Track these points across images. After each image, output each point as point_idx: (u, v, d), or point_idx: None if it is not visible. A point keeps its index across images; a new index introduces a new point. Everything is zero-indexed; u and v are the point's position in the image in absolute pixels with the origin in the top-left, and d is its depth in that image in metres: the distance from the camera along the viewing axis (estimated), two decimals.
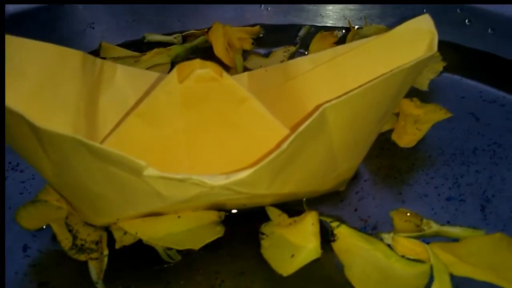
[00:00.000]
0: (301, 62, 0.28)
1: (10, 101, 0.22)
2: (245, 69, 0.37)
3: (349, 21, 0.43)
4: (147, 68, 0.37)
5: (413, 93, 0.34)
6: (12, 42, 0.25)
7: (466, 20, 0.40)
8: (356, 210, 0.27)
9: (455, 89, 0.37)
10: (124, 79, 0.29)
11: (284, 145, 0.20)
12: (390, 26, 0.40)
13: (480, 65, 0.40)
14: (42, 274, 0.24)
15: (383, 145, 0.32)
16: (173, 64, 0.38)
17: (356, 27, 0.42)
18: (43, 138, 0.20)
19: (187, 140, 0.25)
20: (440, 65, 0.38)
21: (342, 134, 0.23)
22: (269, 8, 0.43)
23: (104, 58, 0.38)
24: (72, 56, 0.27)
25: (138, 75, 0.30)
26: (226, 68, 0.38)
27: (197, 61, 0.24)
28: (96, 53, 0.39)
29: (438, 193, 0.28)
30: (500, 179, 0.29)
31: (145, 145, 0.25)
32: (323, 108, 0.21)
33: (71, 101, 0.27)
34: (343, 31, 0.43)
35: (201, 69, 0.23)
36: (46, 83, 0.26)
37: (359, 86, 0.22)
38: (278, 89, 0.29)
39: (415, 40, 0.25)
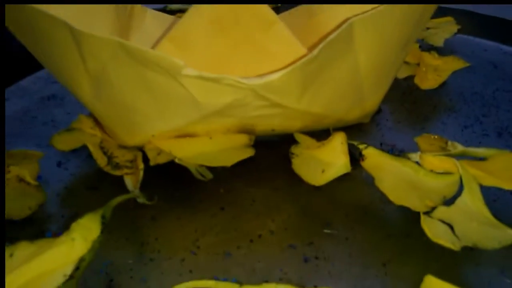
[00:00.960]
0: (323, 4, 0.29)
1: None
2: None
3: None
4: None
5: (429, 48, 0.35)
6: None
7: None
8: (381, 144, 0.28)
9: (469, 46, 0.38)
10: (153, 22, 0.30)
11: (315, 52, 0.21)
12: None
13: (491, 27, 0.41)
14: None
15: (405, 90, 0.32)
16: None
17: None
18: (83, 44, 0.21)
19: (218, 63, 0.26)
20: (454, 27, 0.39)
21: (369, 53, 0.24)
22: None
23: None
24: None
25: (167, 19, 0.31)
26: None
27: None
28: None
29: (462, 129, 0.29)
30: None
31: None
32: (351, 21, 0.22)
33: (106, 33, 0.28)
34: None
35: None
36: (82, 19, 0.27)
37: (383, 5, 0.22)
38: (304, 25, 0.29)
39: None
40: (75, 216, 0.21)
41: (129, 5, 0.29)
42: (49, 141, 0.26)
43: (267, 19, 0.25)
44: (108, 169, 0.24)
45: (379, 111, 0.30)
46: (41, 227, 0.23)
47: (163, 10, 0.43)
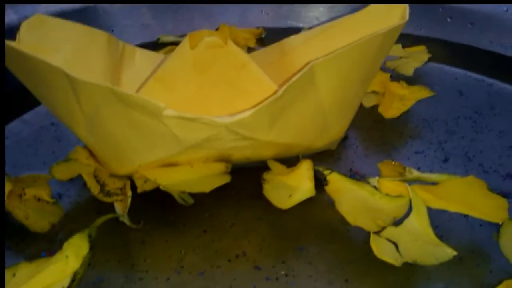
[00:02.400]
0: (294, 38, 0.33)
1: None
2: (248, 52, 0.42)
3: None
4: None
5: (400, 78, 0.39)
6: (50, 22, 0.30)
7: (448, 18, 0.46)
8: (350, 169, 0.32)
9: (439, 74, 0.42)
10: (142, 60, 0.34)
11: (279, 92, 0.25)
12: None
13: (462, 55, 0.45)
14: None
15: (374, 118, 0.36)
16: None
17: None
18: (79, 90, 0.25)
19: (198, 101, 0.29)
20: (425, 56, 0.42)
21: (330, 90, 0.27)
22: (269, 13, 0.49)
23: None
24: (99, 36, 0.32)
25: (155, 57, 0.35)
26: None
27: (206, 31, 0.29)
28: None
29: (425, 155, 0.33)
30: (480, 143, 0.33)
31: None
32: (311, 64, 0.26)
33: (98, 75, 0.32)
34: None
35: (209, 37, 0.28)
36: (77, 58, 0.31)
37: (343, 47, 0.26)
38: (275, 64, 0.33)
39: (390, 12, 0.30)
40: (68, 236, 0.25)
41: (120, 45, 0.34)
42: (48, 170, 0.29)
43: (240, 61, 0.29)
44: (100, 196, 0.28)
45: (345, 137, 0.33)
46: (37, 248, 0.27)
47: (156, 43, 0.47)
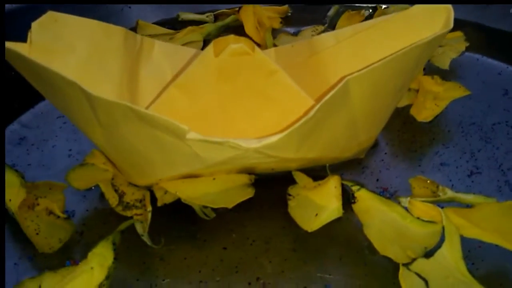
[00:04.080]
0: (325, 38, 0.31)
1: (63, 73, 0.26)
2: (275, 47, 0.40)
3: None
4: (181, 45, 0.40)
5: (434, 71, 0.37)
6: (63, 19, 0.28)
7: None
8: (378, 180, 0.31)
9: (476, 67, 0.39)
10: (161, 54, 0.33)
11: (311, 113, 0.24)
12: None
13: (501, 44, 0.42)
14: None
15: (405, 119, 0.35)
16: (205, 41, 0.41)
17: (383, 6, 0.45)
18: (96, 105, 0.24)
19: (221, 109, 0.28)
20: (462, 45, 0.40)
21: (363, 103, 0.26)
22: None
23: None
24: (116, 32, 0.30)
25: (174, 50, 0.33)
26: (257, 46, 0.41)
27: (232, 37, 0.27)
28: (133, 31, 0.42)
29: (456, 166, 0.31)
30: None
31: (183, 114, 0.28)
32: (346, 80, 0.24)
33: (115, 73, 0.30)
34: (370, 10, 0.45)
35: (235, 44, 0.27)
36: (93, 57, 0.29)
37: (379, 60, 0.24)
38: (303, 63, 0.32)
39: (432, 16, 0.27)
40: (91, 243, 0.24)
41: (138, 39, 0.32)
42: (65, 178, 0.29)
43: (268, 68, 0.27)
44: (119, 209, 0.27)
45: (375, 145, 0.32)
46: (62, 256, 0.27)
47: (175, 19, 0.45)
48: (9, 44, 0.25)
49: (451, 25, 0.26)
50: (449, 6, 0.27)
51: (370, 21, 0.30)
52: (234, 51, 0.27)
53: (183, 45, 0.40)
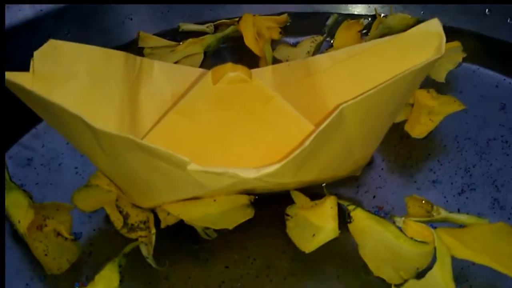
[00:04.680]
0: (321, 59, 0.32)
1: (63, 99, 0.27)
2: (274, 59, 0.41)
3: (375, 9, 0.46)
4: (182, 58, 0.42)
5: (430, 84, 0.38)
6: (63, 47, 0.29)
7: (486, 10, 0.43)
8: (374, 197, 0.32)
9: (473, 79, 0.40)
10: (161, 74, 0.33)
11: (306, 143, 0.25)
12: (413, 15, 0.44)
13: (499, 54, 0.42)
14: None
15: (402, 134, 0.35)
16: (205, 53, 0.42)
17: (382, 15, 0.45)
18: (99, 137, 0.25)
19: (221, 134, 0.29)
20: (459, 56, 0.40)
21: (358, 128, 0.27)
22: None
23: (142, 48, 0.43)
24: (116, 56, 0.31)
25: (173, 69, 0.34)
26: (256, 58, 0.42)
27: (229, 65, 0.28)
28: (134, 42, 0.44)
29: (451, 182, 0.32)
30: (510, 168, 0.33)
31: (183, 138, 0.29)
32: (341, 108, 0.25)
33: (116, 96, 0.31)
34: (369, 19, 0.46)
35: (232, 72, 0.28)
36: (95, 82, 0.30)
37: (373, 88, 0.25)
38: (299, 84, 0.33)
39: (425, 42, 0.28)
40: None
41: (138, 61, 0.33)
42: (70, 199, 0.30)
43: (266, 95, 0.28)
44: (124, 231, 0.29)
45: (370, 162, 0.33)
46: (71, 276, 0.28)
47: (176, 30, 0.46)
48: (10, 75, 0.26)
49: (443, 51, 0.27)
50: (442, 32, 0.28)
51: (364, 44, 0.31)
52: (231, 79, 0.28)
53: (183, 58, 0.42)
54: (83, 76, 0.30)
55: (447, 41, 0.41)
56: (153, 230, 0.28)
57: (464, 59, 0.40)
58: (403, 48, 0.29)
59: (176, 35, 0.45)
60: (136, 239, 0.28)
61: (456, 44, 0.41)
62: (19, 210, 0.30)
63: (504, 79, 0.39)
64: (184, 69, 0.35)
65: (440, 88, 0.37)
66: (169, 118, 0.29)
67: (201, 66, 0.41)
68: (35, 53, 0.28)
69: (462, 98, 0.36)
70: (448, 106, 0.36)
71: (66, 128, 0.27)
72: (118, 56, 0.31)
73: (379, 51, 0.30)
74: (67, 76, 0.29)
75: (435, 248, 0.26)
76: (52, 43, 0.29)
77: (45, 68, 0.28)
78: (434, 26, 0.28)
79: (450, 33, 0.39)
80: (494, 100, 0.38)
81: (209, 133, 0.29)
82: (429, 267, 0.26)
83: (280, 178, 0.26)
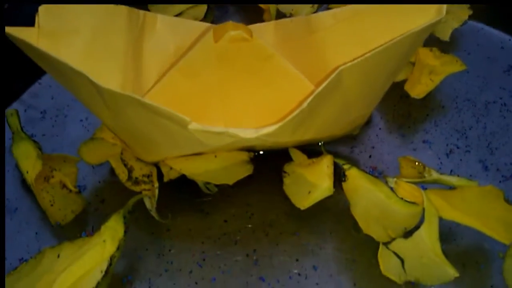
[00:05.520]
0: (324, 17, 0.32)
1: (68, 55, 0.28)
2: (278, 12, 0.41)
3: None
4: (186, 9, 0.41)
5: (434, 42, 0.38)
6: (67, 4, 0.30)
7: None
8: (370, 156, 0.33)
9: (477, 39, 0.40)
10: (164, 27, 0.34)
11: (304, 104, 0.26)
12: None
13: (506, 13, 0.42)
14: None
15: (402, 93, 0.36)
16: (209, 5, 0.42)
17: None
18: (103, 94, 0.26)
19: (221, 91, 0.30)
20: (465, 14, 0.39)
21: (357, 89, 0.28)
22: None
23: None
24: (119, 11, 0.31)
25: (176, 23, 0.34)
26: (260, 10, 0.42)
27: (230, 24, 0.29)
28: None
29: (446, 143, 0.33)
30: (506, 132, 0.34)
31: (185, 95, 0.30)
32: (339, 70, 0.25)
33: (120, 51, 0.32)
34: None
35: (233, 31, 0.28)
36: (98, 37, 0.31)
37: (373, 49, 0.26)
38: (302, 41, 0.33)
39: (426, 3, 0.28)
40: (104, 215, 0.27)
41: (141, 15, 0.33)
42: (77, 151, 0.31)
43: (266, 53, 0.29)
44: (128, 184, 0.30)
45: (368, 121, 0.34)
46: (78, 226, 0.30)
47: None
48: (16, 30, 0.26)
49: (444, 12, 0.27)
50: None
51: (367, 5, 0.31)
52: (232, 37, 0.28)
53: (188, 9, 0.42)
54: (87, 33, 0.30)
55: None
56: (156, 184, 0.30)
57: (469, 17, 0.40)
58: (405, 9, 0.29)
59: None
60: (140, 192, 0.30)
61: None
62: (28, 161, 0.31)
63: (510, 40, 0.39)
64: (187, 23, 0.35)
65: (444, 47, 0.37)
66: (170, 76, 0.30)
67: (205, 17, 0.41)
68: (40, 8, 0.28)
69: (465, 57, 0.37)
70: (449, 66, 0.36)
71: (71, 83, 0.28)
72: (121, 10, 0.31)
73: (381, 11, 0.30)
74: (72, 32, 0.30)
75: (423, 209, 0.28)
76: None
77: (50, 24, 0.29)
78: None
79: None
80: (496, 62, 0.38)
81: (209, 90, 0.30)
82: (417, 227, 0.27)
83: (279, 137, 0.27)
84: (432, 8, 0.28)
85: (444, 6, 0.28)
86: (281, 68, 0.30)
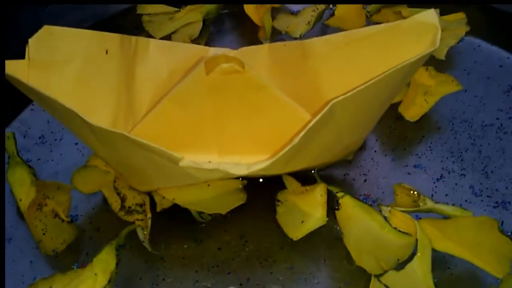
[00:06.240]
0: (318, 42, 0.32)
1: (59, 85, 0.29)
2: (273, 29, 0.41)
3: None
4: (181, 27, 0.41)
5: (429, 60, 0.37)
6: (58, 32, 0.30)
7: None
8: (365, 180, 0.33)
9: (475, 56, 0.39)
10: (156, 52, 0.34)
11: (296, 140, 0.26)
12: None
13: (505, 28, 0.41)
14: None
15: (398, 115, 0.36)
16: (204, 21, 0.42)
17: None
18: (95, 130, 0.26)
19: (214, 120, 0.30)
20: (462, 30, 0.39)
21: (350, 120, 0.28)
22: None
23: (140, 15, 0.43)
24: (111, 39, 0.31)
25: (169, 47, 0.34)
26: (255, 27, 0.42)
27: (222, 56, 0.28)
28: (133, 9, 0.43)
29: (442, 167, 0.33)
30: (502, 155, 0.33)
31: (178, 124, 0.30)
32: (332, 104, 0.25)
33: (113, 78, 0.32)
34: None
35: (225, 64, 0.28)
36: (90, 66, 0.31)
37: (365, 82, 0.26)
38: (296, 66, 0.33)
39: (420, 33, 0.28)
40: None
41: (133, 41, 0.33)
42: (70, 180, 0.31)
43: (259, 84, 0.29)
44: (121, 214, 0.30)
45: (362, 147, 0.34)
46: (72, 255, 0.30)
47: None
48: (7, 67, 0.26)
49: (437, 44, 0.27)
50: (437, 24, 0.28)
51: (362, 29, 0.31)
52: (224, 70, 0.28)
53: (183, 26, 0.42)
54: (78, 62, 0.30)
55: (451, 12, 0.40)
56: (149, 215, 0.30)
57: (467, 33, 0.39)
58: (399, 38, 0.29)
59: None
60: (133, 222, 0.30)
61: (460, 15, 0.40)
62: (22, 188, 0.32)
63: (508, 57, 0.39)
64: (180, 46, 0.35)
65: (439, 64, 0.37)
66: (163, 105, 0.30)
67: (200, 35, 0.41)
68: (30, 41, 0.28)
69: (461, 76, 0.37)
70: (445, 86, 0.35)
71: (62, 118, 0.28)
72: (113, 38, 0.31)
73: (375, 40, 0.30)
74: (63, 62, 0.30)
75: (416, 240, 0.28)
76: (46, 29, 0.29)
77: (40, 55, 0.29)
78: (430, 17, 0.28)
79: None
80: (496, 81, 0.38)
81: (203, 119, 0.30)
82: (409, 259, 0.27)
83: (271, 170, 0.27)
84: (427, 38, 0.28)
85: (438, 36, 0.28)
86: (275, 98, 0.30)
